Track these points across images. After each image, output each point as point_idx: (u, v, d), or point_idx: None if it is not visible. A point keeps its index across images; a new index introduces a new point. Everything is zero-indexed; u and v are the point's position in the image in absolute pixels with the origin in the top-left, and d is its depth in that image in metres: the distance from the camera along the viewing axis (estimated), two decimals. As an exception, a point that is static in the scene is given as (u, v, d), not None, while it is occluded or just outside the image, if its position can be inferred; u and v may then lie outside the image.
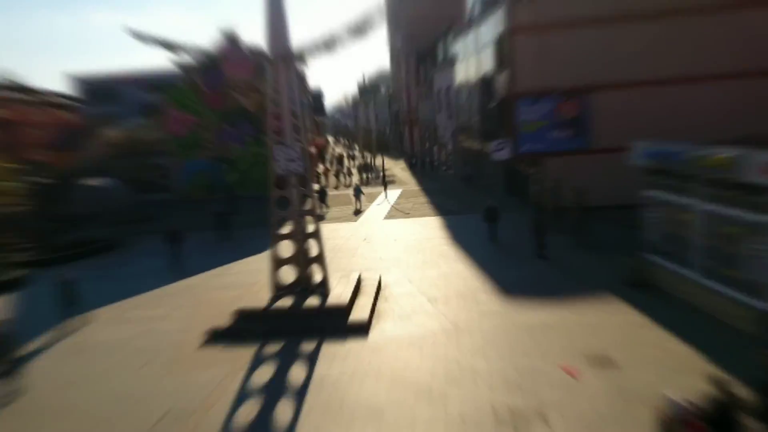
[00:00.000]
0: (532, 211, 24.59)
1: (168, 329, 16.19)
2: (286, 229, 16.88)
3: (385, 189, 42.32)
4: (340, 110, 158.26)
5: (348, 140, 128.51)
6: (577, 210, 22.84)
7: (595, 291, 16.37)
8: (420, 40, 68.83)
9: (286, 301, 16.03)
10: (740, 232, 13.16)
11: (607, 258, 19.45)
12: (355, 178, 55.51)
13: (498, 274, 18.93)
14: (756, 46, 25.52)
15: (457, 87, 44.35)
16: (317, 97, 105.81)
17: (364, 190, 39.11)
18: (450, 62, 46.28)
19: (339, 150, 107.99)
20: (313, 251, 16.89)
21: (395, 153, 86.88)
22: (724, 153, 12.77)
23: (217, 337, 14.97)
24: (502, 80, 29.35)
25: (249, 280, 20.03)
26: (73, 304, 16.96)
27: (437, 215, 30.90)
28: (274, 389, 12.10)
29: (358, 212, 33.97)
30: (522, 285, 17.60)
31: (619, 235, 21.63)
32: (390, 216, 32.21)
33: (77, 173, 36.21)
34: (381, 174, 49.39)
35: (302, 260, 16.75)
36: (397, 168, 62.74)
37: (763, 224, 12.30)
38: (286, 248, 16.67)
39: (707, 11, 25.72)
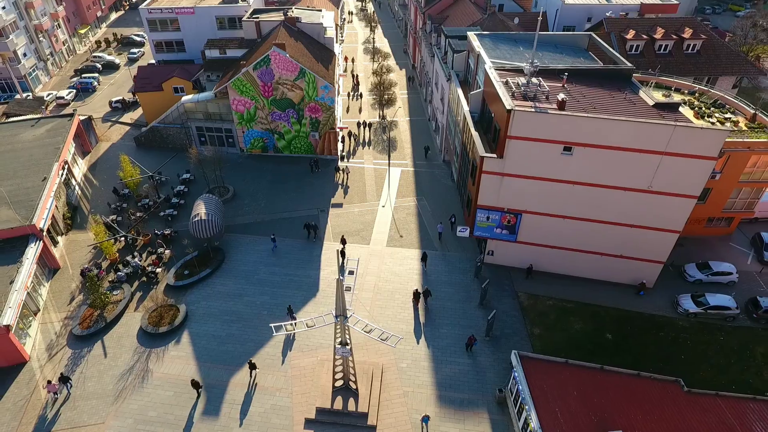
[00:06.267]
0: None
1: (283, 405, 28.83)
2: (339, 363, 28.36)
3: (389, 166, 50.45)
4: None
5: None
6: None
7: (479, 403, 28.97)
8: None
9: (339, 402, 28.51)
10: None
11: (501, 357, 31.45)
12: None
13: (436, 369, 31.19)
14: (640, 213, 33.77)
15: (449, 111, 48.95)
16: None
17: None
18: (448, 66, 48.96)
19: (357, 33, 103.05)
20: (350, 363, 28.73)
21: (400, 47, 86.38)
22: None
23: (308, 423, 27.88)
24: (471, 189, 37.01)
25: (315, 340, 32.59)
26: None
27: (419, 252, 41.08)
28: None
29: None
30: (444, 386, 29.88)
31: (519, 315, 33.58)
32: (390, 242, 42.03)
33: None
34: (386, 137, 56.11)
35: (345, 368, 28.72)
36: (399, 102, 66.50)
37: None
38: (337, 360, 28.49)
39: (610, 187, 33.13)
